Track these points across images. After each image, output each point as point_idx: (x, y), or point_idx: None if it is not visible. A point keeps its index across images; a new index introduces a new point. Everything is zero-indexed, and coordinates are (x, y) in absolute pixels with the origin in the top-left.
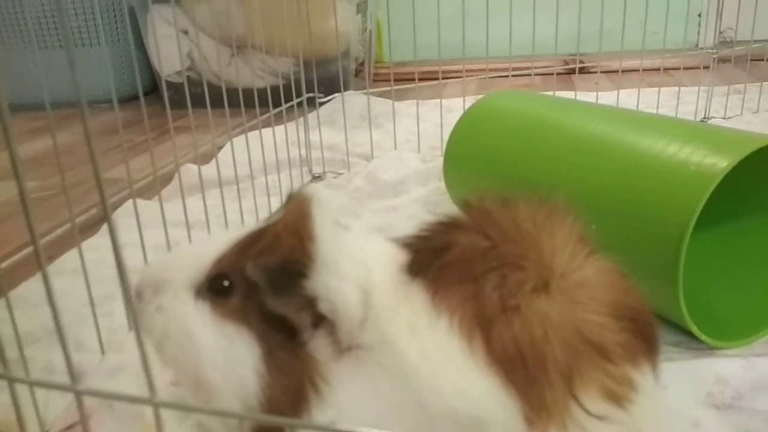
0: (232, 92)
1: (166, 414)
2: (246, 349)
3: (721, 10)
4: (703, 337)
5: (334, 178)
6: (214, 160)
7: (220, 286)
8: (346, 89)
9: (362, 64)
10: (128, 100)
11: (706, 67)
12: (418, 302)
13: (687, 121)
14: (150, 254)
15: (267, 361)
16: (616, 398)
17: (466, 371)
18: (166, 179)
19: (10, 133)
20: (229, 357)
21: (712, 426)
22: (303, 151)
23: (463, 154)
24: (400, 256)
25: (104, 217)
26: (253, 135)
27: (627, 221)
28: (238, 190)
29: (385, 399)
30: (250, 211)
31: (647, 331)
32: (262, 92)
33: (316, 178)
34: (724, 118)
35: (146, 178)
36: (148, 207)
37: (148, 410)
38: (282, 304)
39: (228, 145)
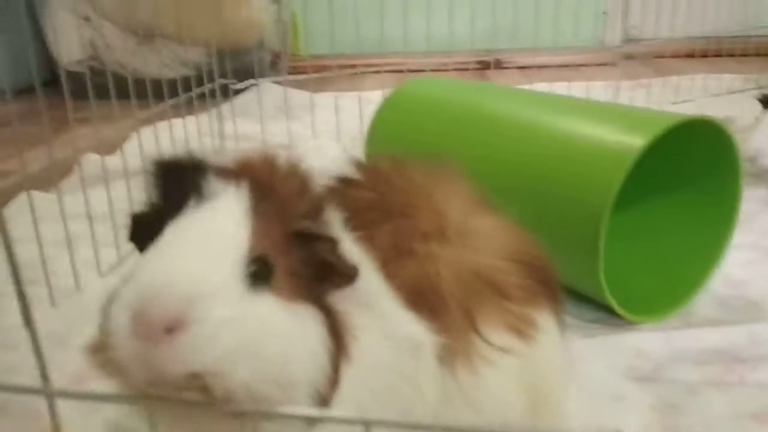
0: (139, 83)
1: (70, 411)
2: (315, 324)
3: (626, 9)
4: (621, 312)
5: None
6: (119, 151)
7: (261, 269)
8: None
9: (277, 55)
10: (24, 91)
11: (613, 64)
12: None
13: (601, 102)
14: (48, 250)
15: (327, 328)
16: (519, 332)
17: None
18: (66, 171)
19: None
20: (306, 339)
21: (635, 398)
22: (216, 142)
23: (385, 137)
24: None
25: None
26: (163, 126)
27: (548, 201)
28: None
29: (374, 339)
30: None
31: (546, 276)
32: (172, 83)
33: None
34: None
35: (42, 167)
36: (45, 199)
37: (45, 408)
38: (336, 250)
39: (134, 136)
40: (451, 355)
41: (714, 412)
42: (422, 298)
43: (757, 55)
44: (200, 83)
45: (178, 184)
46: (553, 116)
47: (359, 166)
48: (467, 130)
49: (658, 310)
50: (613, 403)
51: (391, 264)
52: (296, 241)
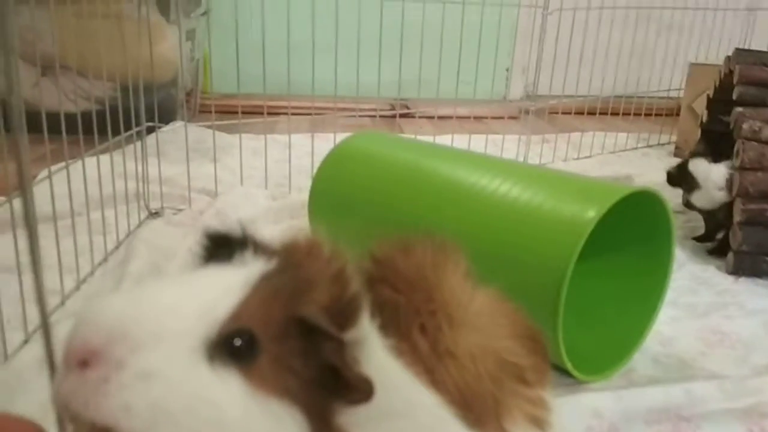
0: (49, 117)
1: None
2: (296, 427)
3: (530, 67)
4: (575, 372)
5: (174, 214)
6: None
7: (241, 345)
8: (174, 119)
9: (189, 94)
10: None
11: (513, 117)
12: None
13: (544, 168)
14: None
15: None
16: (538, 422)
17: (447, 419)
18: None
19: None
20: None
21: None
22: (132, 184)
23: (330, 192)
24: None
25: None
26: (74, 167)
27: (504, 270)
28: (56, 228)
29: None
30: (68, 252)
31: (543, 349)
32: (75, 118)
33: (154, 214)
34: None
35: None
36: None
37: None
38: (345, 354)
39: (44, 176)
40: None
41: None
42: (465, 405)
43: (647, 115)
44: (111, 120)
45: (219, 255)
46: (507, 184)
47: (374, 259)
48: (420, 194)
49: (604, 368)
50: None
51: (435, 370)
52: (296, 330)
